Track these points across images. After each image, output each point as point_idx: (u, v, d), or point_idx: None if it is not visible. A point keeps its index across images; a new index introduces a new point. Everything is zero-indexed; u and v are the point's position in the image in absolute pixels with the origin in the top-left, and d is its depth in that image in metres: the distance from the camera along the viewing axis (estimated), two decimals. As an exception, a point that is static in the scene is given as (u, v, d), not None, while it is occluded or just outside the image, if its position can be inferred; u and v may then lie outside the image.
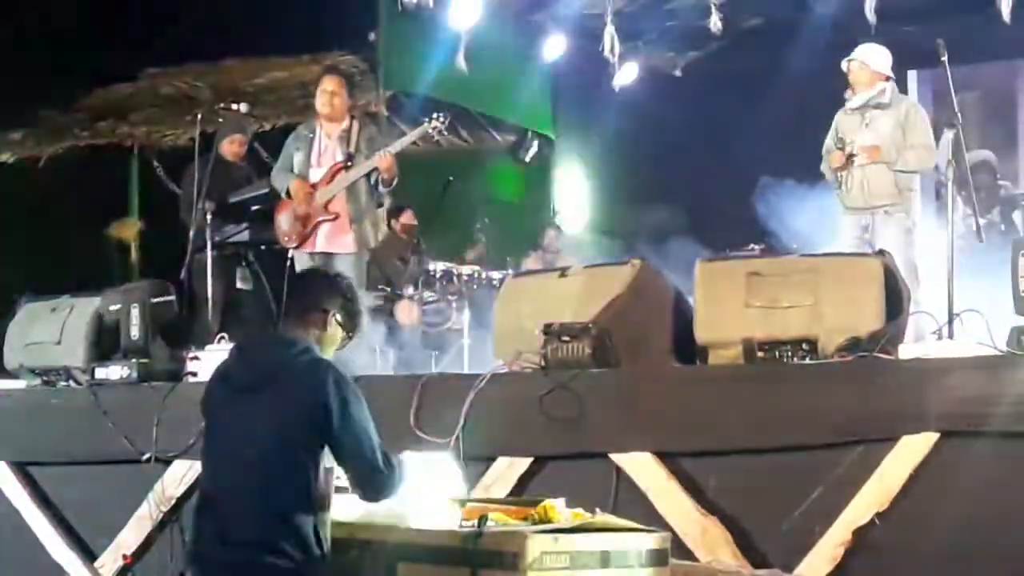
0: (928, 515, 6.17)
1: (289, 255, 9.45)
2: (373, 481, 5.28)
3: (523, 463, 7.03)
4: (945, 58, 8.50)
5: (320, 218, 9.29)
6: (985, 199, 11.04)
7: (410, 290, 11.26)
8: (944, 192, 8.44)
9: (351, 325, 5.58)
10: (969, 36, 9.80)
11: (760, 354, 6.87)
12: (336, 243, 9.33)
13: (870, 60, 9.42)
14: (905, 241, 9.09)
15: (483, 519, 5.18)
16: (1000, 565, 5.99)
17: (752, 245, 10.84)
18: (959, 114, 8.36)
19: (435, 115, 9.57)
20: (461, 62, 12.20)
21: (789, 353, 6.82)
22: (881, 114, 9.38)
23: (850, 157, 9.35)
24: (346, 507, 5.50)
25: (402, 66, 12.74)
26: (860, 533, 6.24)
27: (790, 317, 6.84)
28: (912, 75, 12.73)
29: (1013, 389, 6.03)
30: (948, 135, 8.35)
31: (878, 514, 6.21)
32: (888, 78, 9.47)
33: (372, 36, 12.57)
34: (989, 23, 10.46)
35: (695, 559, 6.39)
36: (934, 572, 6.15)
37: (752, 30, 13.04)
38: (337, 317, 5.50)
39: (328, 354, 5.49)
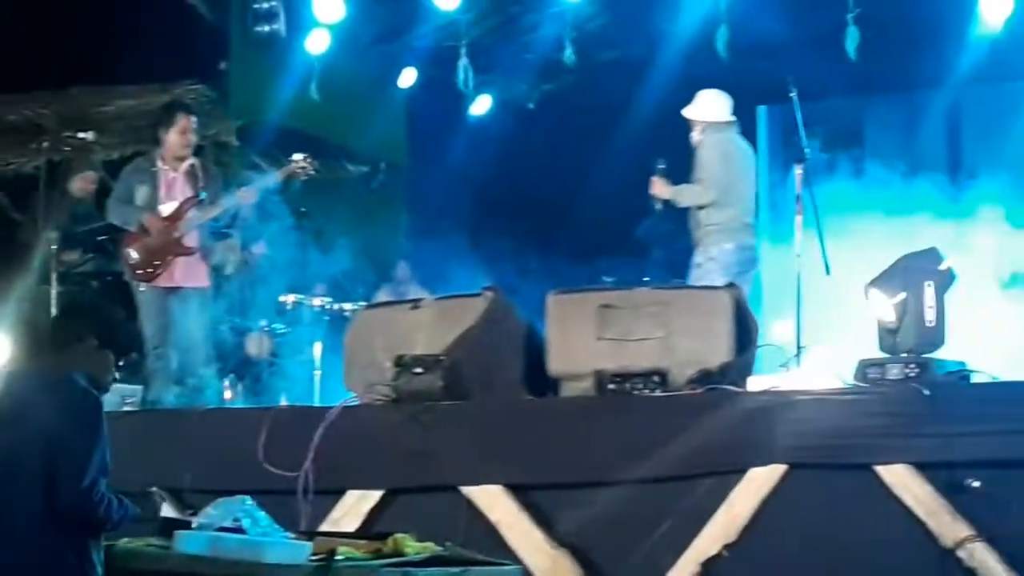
0: (776, 546, 6.23)
1: (141, 288, 9.21)
2: (70, 501, 5.06)
3: (373, 496, 6.97)
4: (794, 94, 8.63)
5: (175, 253, 9.11)
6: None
7: (261, 321, 11.10)
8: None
9: (117, 343, 5.46)
10: (817, 72, 9.94)
11: (611, 386, 6.88)
12: (190, 277, 9.17)
13: (685, 112, 9.52)
14: (693, 275, 9.12)
15: (332, 553, 5.11)
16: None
17: (604, 277, 10.86)
18: (807, 149, 8.49)
19: (301, 155, 9.48)
20: (314, 91, 12.12)
21: (640, 385, 6.85)
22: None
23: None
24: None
25: (254, 95, 12.59)
26: (709, 564, 6.27)
27: (642, 349, 6.88)
28: (762, 110, 12.88)
29: (858, 422, 6.11)
30: (797, 170, 8.48)
31: (727, 545, 6.25)
32: (699, 122, 9.51)
33: (223, 65, 12.43)
34: (837, 60, 10.62)
35: (546, 592, 6.38)
36: (782, 603, 6.20)
37: (606, 64, 13.08)
38: (94, 342, 5.35)
39: (106, 379, 5.38)
